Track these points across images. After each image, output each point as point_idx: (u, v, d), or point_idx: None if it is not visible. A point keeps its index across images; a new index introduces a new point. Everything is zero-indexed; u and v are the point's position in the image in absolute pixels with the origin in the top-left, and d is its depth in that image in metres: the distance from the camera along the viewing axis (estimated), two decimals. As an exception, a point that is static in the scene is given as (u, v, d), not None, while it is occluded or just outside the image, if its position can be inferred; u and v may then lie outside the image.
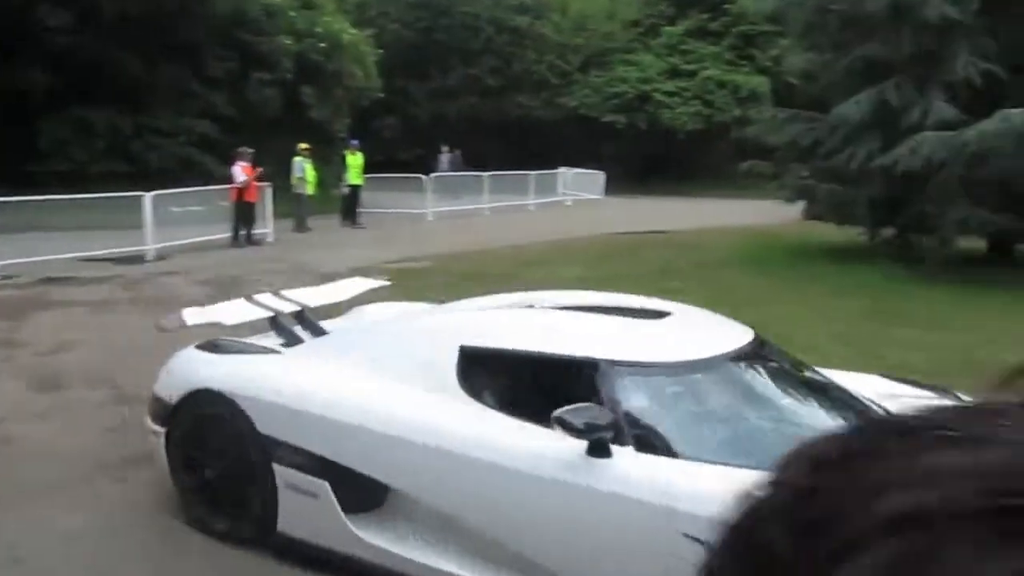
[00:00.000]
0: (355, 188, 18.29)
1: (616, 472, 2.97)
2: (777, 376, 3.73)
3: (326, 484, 3.57)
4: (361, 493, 3.56)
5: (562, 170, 25.33)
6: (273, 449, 3.70)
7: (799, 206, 15.09)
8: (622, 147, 28.43)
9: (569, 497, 3.02)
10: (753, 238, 16.37)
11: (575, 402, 3.05)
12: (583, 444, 2.98)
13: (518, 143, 28.68)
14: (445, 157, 23.72)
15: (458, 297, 5.38)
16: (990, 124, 10.58)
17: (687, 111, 27.09)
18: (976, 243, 13.39)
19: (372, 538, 3.50)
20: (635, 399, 3.30)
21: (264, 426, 3.75)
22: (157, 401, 4.29)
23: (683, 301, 9.58)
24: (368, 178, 19.07)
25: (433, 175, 21.22)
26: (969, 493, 0.30)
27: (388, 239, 15.95)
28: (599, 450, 2.97)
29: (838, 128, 13.01)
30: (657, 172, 28.04)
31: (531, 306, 4.28)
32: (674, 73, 28.09)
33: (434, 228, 18.72)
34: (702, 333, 3.98)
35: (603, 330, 3.78)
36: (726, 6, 28.26)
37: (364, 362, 3.86)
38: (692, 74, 27.90)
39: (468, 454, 3.25)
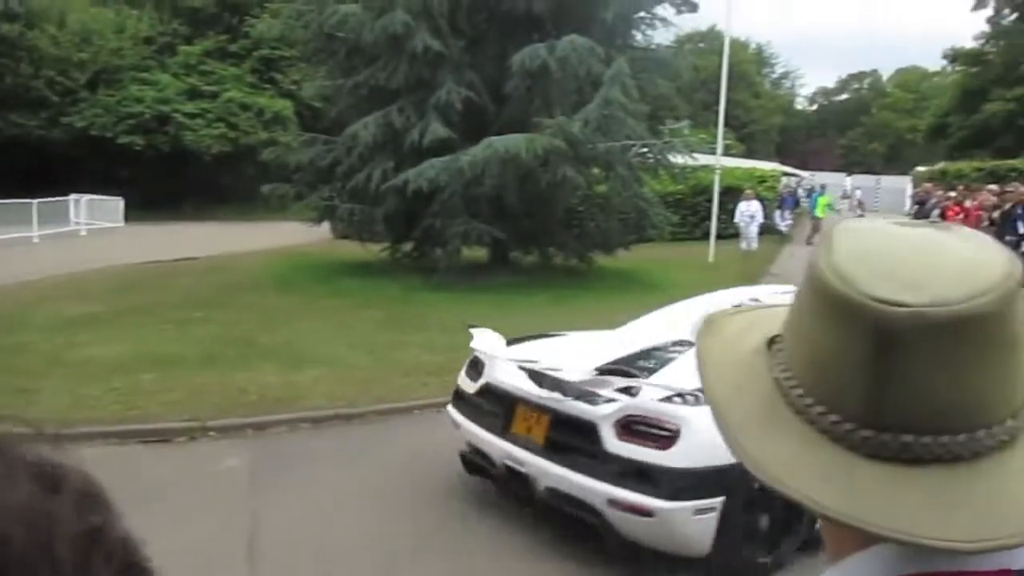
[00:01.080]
0: None
1: None
2: None
3: None
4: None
5: (74, 197, 22.74)
6: None
7: (327, 226, 15.50)
8: (143, 171, 26.47)
9: None
10: (284, 259, 16.42)
11: None
12: None
13: (19, 167, 25.01)
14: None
15: None
16: (479, 150, 11.96)
17: (211, 133, 26.23)
18: (480, 252, 15.08)
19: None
20: None
21: None
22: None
23: (204, 327, 9.30)
24: None
25: None
26: None
27: None
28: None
29: (353, 149, 13.66)
30: (184, 196, 26.72)
31: None
32: (195, 94, 26.99)
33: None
34: None
35: None
36: (245, 28, 27.96)
37: None
38: (214, 95, 27.10)
39: None
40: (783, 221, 24.36)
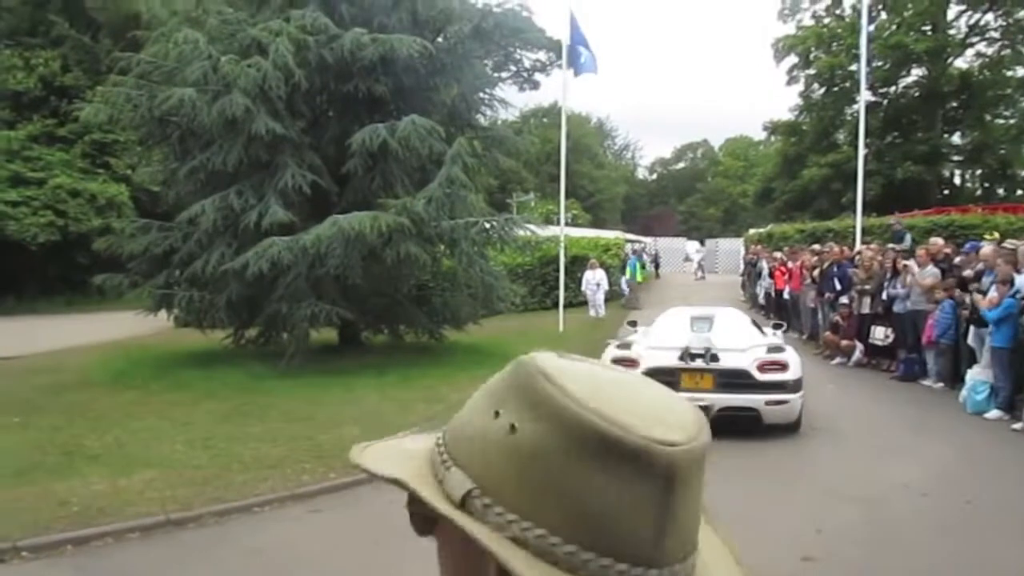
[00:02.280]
0: None
1: None
2: None
3: None
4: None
5: None
6: None
7: (168, 314, 14.76)
8: (-40, 264, 24.53)
9: None
10: (121, 352, 15.47)
11: None
12: None
13: None
14: None
15: None
16: (323, 228, 11.83)
17: (37, 222, 24.66)
18: (330, 333, 14.78)
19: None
20: None
21: None
22: None
23: (20, 434, 8.58)
24: None
25: None
26: None
27: None
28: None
29: (191, 235, 13.20)
30: (8, 290, 24.88)
31: None
32: (18, 181, 25.39)
33: None
34: None
35: None
36: (75, 112, 26.71)
37: None
38: (40, 182, 25.60)
39: None
40: (628, 287, 25.37)
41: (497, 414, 0.66)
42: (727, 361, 8.58)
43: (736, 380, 8.48)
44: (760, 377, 8.47)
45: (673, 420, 0.64)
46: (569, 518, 0.62)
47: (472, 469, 0.66)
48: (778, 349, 8.92)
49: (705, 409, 6.12)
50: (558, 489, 0.62)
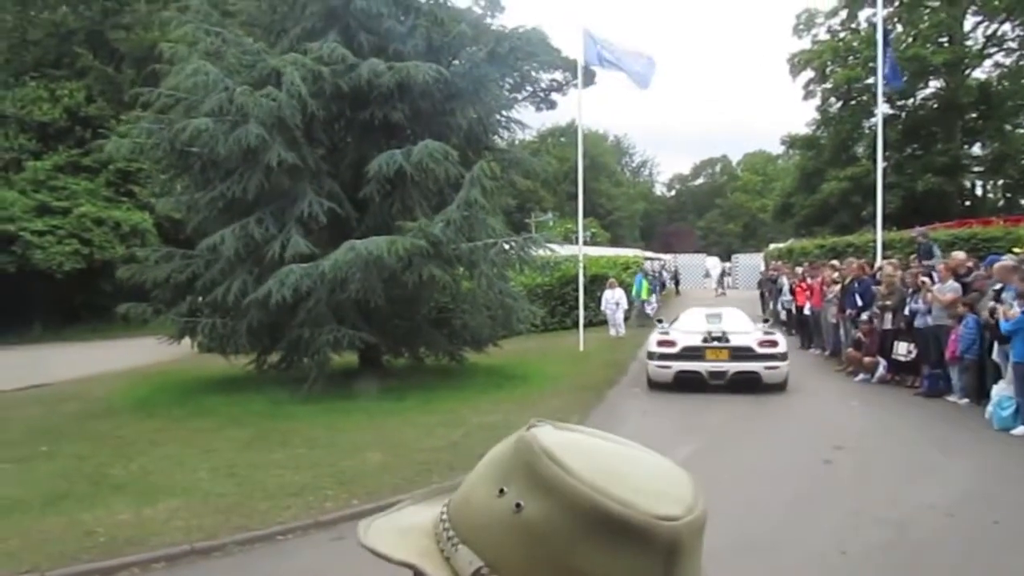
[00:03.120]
0: None
1: None
2: None
3: None
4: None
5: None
6: None
7: (191, 341, 14.88)
8: (-12, 293, 24.86)
9: None
10: (144, 379, 15.67)
11: None
12: None
13: None
14: None
15: None
16: (340, 253, 11.94)
17: (63, 250, 25.00)
18: (352, 358, 14.86)
19: None
20: None
21: None
22: None
23: (49, 464, 8.69)
24: None
25: None
26: None
27: None
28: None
29: (214, 263, 13.35)
30: (34, 318, 25.23)
31: None
32: (44, 210, 25.79)
33: None
34: None
35: None
36: (99, 141, 27.14)
37: None
38: (66, 211, 25.97)
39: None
40: (649, 305, 25.29)
41: (502, 491, 0.68)
42: (736, 341, 12.59)
43: (744, 353, 12.45)
44: (760, 351, 12.44)
45: (674, 493, 0.66)
46: None
47: (478, 545, 0.68)
48: (771, 332, 13.15)
49: (722, 374, 12.40)
50: (565, 566, 0.64)
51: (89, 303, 26.23)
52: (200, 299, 14.02)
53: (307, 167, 13.00)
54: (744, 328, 13.16)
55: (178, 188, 16.09)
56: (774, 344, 12.49)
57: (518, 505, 0.66)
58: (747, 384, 12.25)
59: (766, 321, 15.42)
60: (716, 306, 15.90)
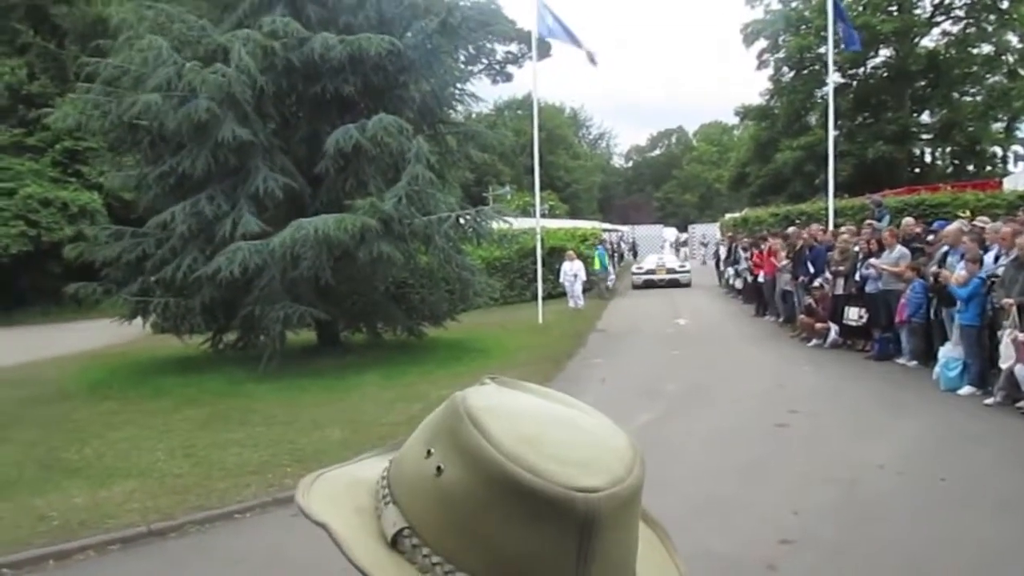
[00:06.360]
0: None
1: None
2: None
3: None
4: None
5: None
6: None
7: (144, 321, 14.61)
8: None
9: None
10: (98, 362, 15.37)
11: None
12: None
13: None
14: None
15: None
16: (289, 232, 11.78)
17: (8, 232, 24.35)
18: (310, 335, 14.75)
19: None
20: None
21: None
22: None
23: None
24: None
25: None
26: None
27: None
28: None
29: (165, 240, 13.11)
30: (-22, 302, 24.60)
31: None
32: (-13, 192, 25.07)
33: None
34: None
35: None
36: (43, 120, 26.34)
37: None
38: (10, 192, 25.26)
39: None
40: (607, 277, 25.43)
41: (429, 453, 0.66)
42: (669, 264, 30.29)
43: (672, 271, 29.48)
44: (679, 269, 29.78)
45: (601, 463, 0.63)
46: (491, 564, 0.62)
47: (405, 506, 0.66)
48: (684, 262, 31.85)
49: (663, 280, 29.80)
50: (480, 535, 0.62)
51: (38, 286, 25.57)
52: (152, 278, 13.75)
53: (259, 142, 12.78)
54: (672, 261, 31.16)
55: (127, 164, 15.72)
56: (684, 266, 30.34)
57: (439, 468, 0.64)
58: (673, 283, 28.43)
59: (685, 257, 33.29)
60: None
